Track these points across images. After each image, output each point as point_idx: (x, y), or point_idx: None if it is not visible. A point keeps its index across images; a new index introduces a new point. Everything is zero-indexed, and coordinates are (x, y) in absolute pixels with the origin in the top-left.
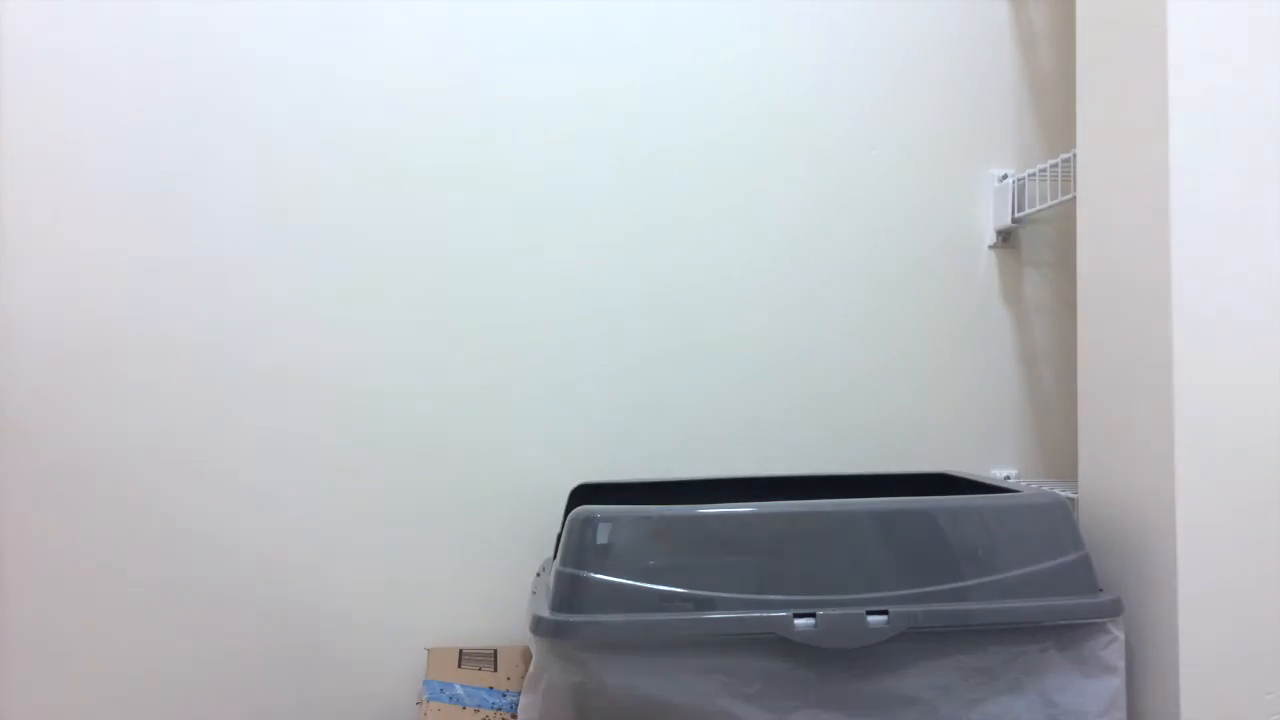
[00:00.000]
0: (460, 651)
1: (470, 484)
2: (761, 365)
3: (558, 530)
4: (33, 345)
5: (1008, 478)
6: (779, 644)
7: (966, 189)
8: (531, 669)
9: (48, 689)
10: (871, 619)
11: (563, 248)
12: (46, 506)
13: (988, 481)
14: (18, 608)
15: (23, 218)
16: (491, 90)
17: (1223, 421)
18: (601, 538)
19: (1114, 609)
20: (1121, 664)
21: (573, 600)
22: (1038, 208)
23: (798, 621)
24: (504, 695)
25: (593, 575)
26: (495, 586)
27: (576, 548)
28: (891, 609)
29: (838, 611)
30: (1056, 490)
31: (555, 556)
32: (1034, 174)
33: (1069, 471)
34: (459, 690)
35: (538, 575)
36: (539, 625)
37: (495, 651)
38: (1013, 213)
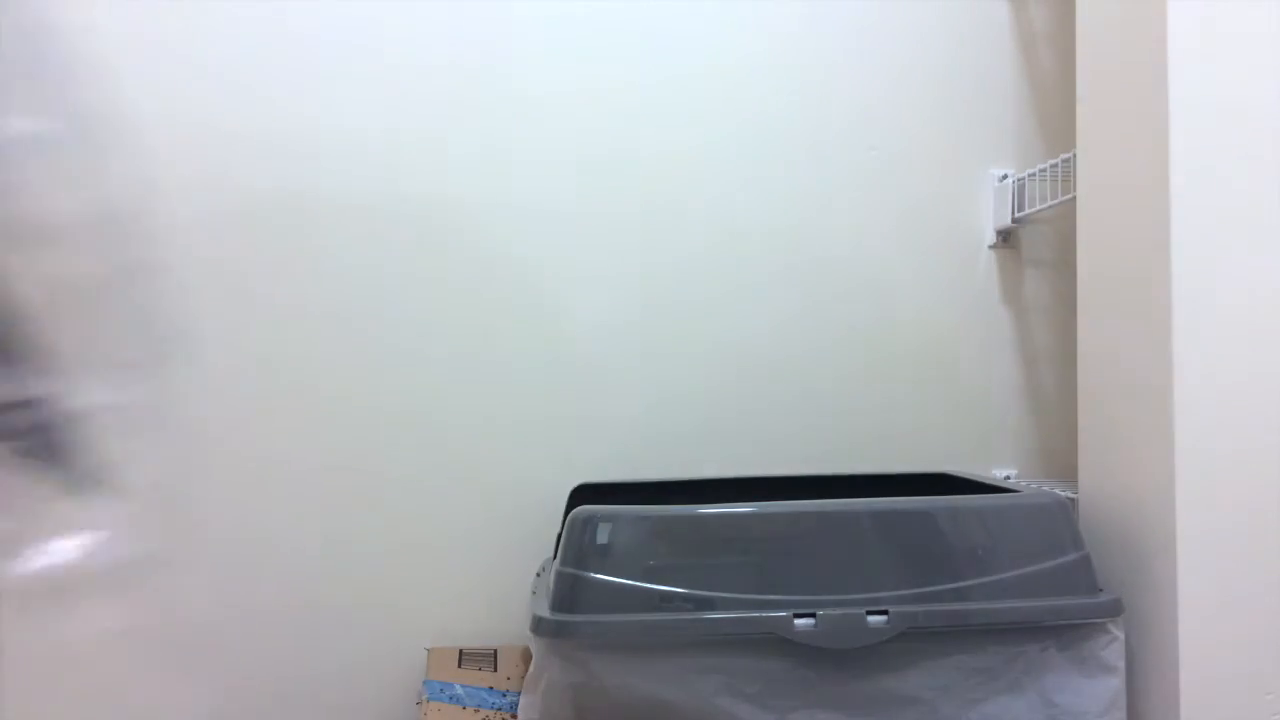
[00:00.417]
0: (460, 651)
1: (470, 484)
2: (761, 365)
3: (558, 530)
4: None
5: (1008, 478)
6: (779, 644)
7: (966, 189)
8: (531, 669)
9: (46, 689)
10: (871, 619)
11: (561, 249)
12: (48, 505)
13: (988, 481)
14: (18, 608)
15: None
16: (490, 91)
17: (1222, 422)
18: (601, 538)
19: (1114, 609)
20: (1121, 664)
21: (573, 600)
22: (1038, 208)
23: (798, 621)
24: (504, 695)
25: (593, 575)
26: (495, 586)
27: (576, 548)
28: (891, 609)
29: (838, 611)
30: (1056, 490)
31: (555, 556)
32: (1034, 174)
33: (1069, 471)
34: (459, 690)
35: (538, 575)
36: (539, 625)
37: (495, 651)
38: (1013, 213)
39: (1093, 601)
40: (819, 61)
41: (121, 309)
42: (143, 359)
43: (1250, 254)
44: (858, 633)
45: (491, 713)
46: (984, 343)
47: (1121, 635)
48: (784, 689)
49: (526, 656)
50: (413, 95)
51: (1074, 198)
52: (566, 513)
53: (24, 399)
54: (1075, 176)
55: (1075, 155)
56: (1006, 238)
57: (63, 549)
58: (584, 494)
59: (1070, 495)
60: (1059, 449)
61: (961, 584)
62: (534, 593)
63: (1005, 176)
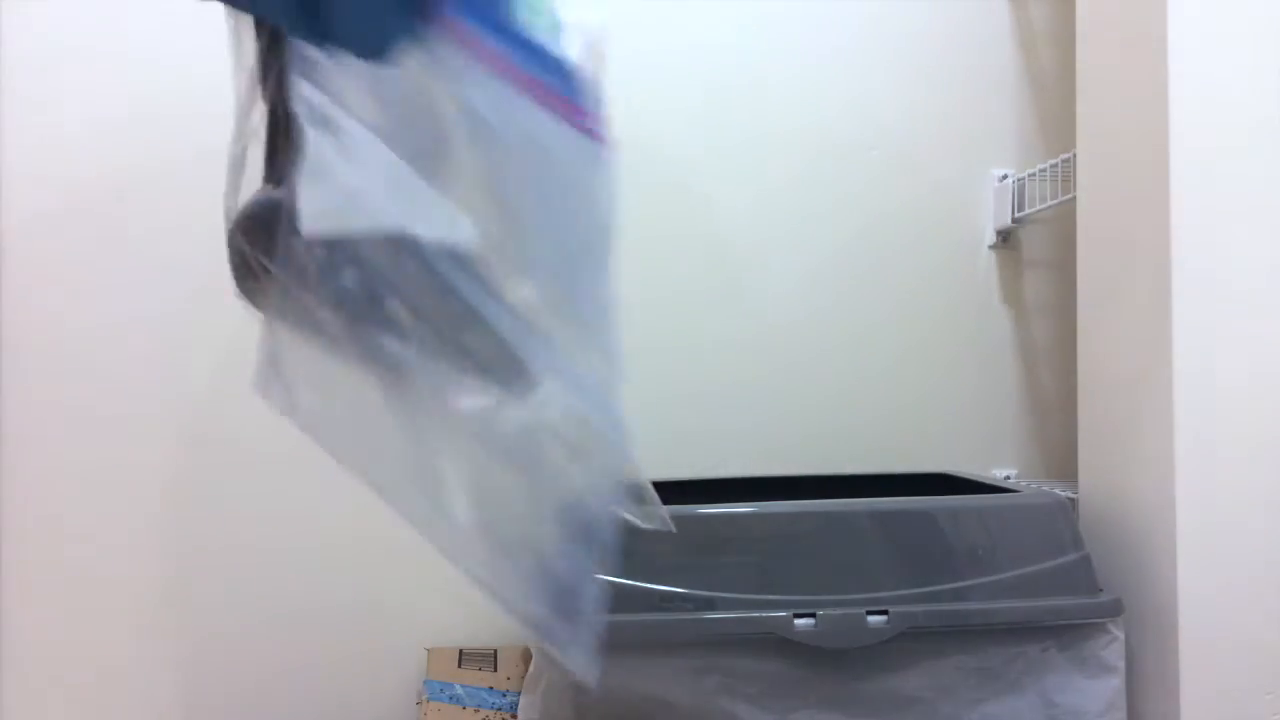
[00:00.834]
0: (460, 651)
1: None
2: (761, 365)
3: None
4: (33, 341)
5: (1008, 478)
6: (779, 644)
7: (966, 189)
8: (531, 669)
9: (44, 688)
10: (871, 619)
11: None
12: (49, 506)
13: (988, 481)
14: (17, 608)
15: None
16: None
17: (1223, 422)
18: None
19: (1114, 609)
20: (1121, 664)
21: None
22: (1038, 208)
23: (798, 621)
24: (504, 695)
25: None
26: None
27: None
28: (891, 609)
29: (838, 611)
30: (1056, 490)
31: None
32: (1034, 174)
33: (1069, 471)
34: (459, 690)
35: None
36: None
37: (495, 651)
38: (1013, 213)
39: (1093, 601)
40: (818, 61)
41: None
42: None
43: (1250, 253)
44: (858, 633)
45: (491, 713)
46: (984, 343)
47: (1121, 635)
48: (784, 689)
49: (526, 656)
50: None
51: (1074, 198)
52: None
53: None
54: (1075, 176)
55: (1075, 155)
56: (1006, 238)
57: None
58: None
59: (1070, 495)
60: (1059, 449)
61: (961, 584)
62: None
63: (1005, 176)
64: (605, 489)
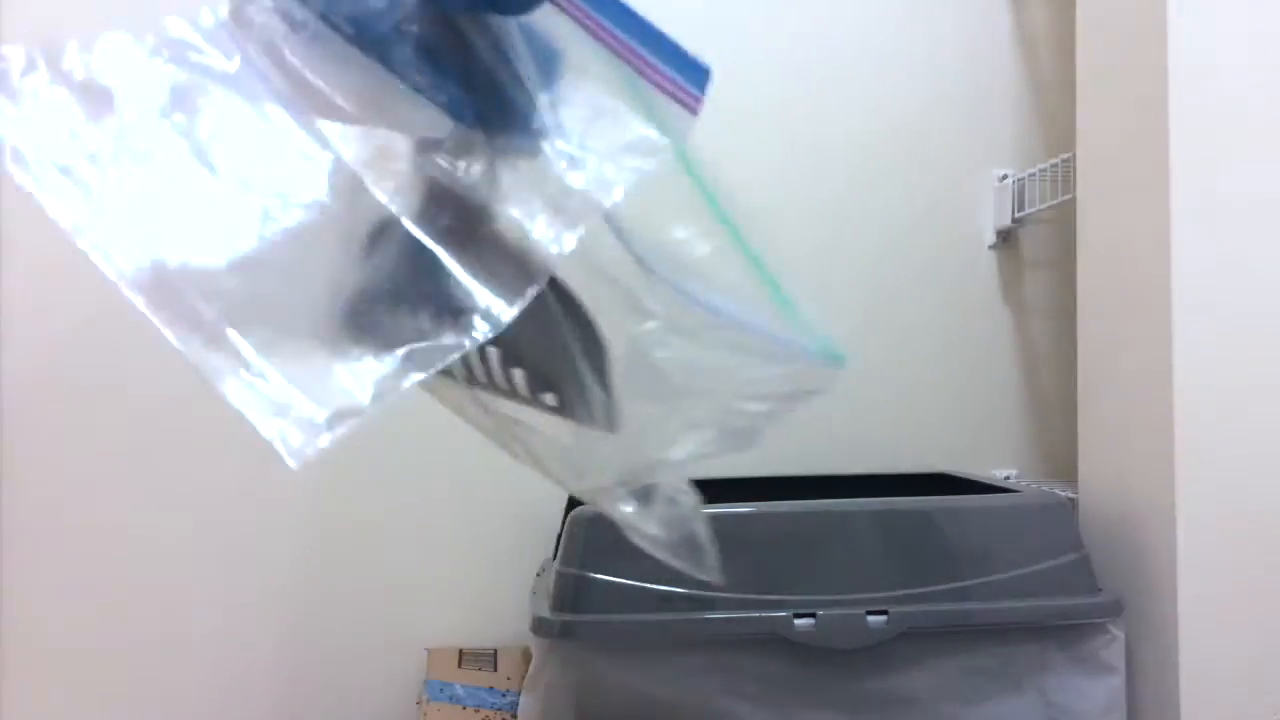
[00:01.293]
0: (460, 651)
1: (471, 483)
2: None
3: (558, 530)
4: (32, 339)
5: (1008, 478)
6: (779, 644)
7: (966, 189)
8: (531, 669)
9: (47, 689)
10: (871, 619)
11: None
12: (49, 504)
13: (988, 481)
14: (19, 608)
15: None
16: None
17: (1222, 422)
18: (602, 538)
19: (1114, 609)
20: (1121, 664)
21: (573, 600)
22: (1038, 208)
23: (798, 621)
24: (504, 695)
25: (593, 575)
26: (495, 586)
27: (577, 548)
28: (891, 609)
29: (838, 611)
30: (1056, 490)
31: (556, 556)
32: (1034, 174)
33: (1069, 471)
34: (459, 690)
35: (538, 575)
36: (539, 625)
37: (495, 651)
38: (1013, 213)
39: (1092, 601)
40: (817, 61)
41: None
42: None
43: (1250, 254)
44: (858, 633)
45: (491, 713)
46: (984, 343)
47: (1121, 635)
48: (784, 689)
49: (526, 656)
50: None
51: (1074, 198)
52: (567, 512)
53: None
54: (1075, 176)
55: (1075, 155)
56: (1006, 238)
57: None
58: None
59: (1070, 495)
60: (1059, 449)
61: (961, 584)
62: (534, 593)
63: (1005, 176)
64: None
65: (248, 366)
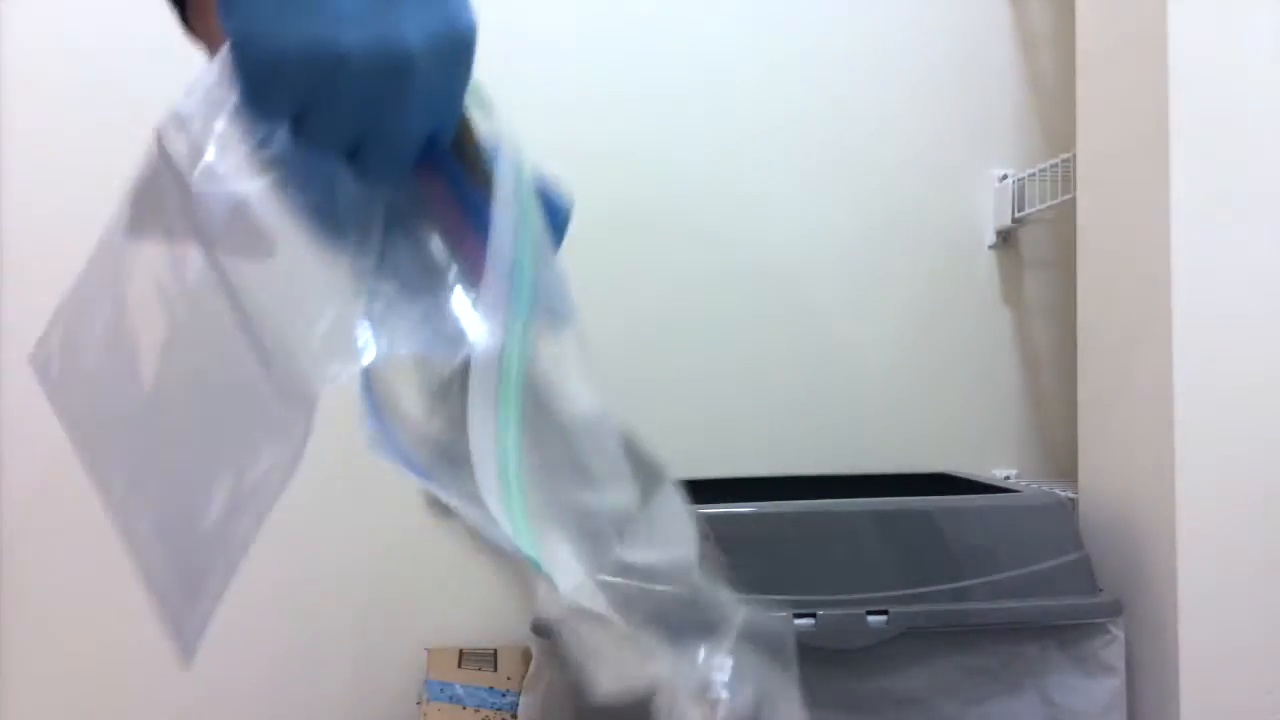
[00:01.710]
0: (460, 651)
1: None
2: (761, 365)
3: None
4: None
5: (1008, 478)
6: None
7: (966, 189)
8: (531, 669)
9: (49, 688)
10: (871, 619)
11: (561, 253)
12: (50, 502)
13: (988, 481)
14: (19, 610)
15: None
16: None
17: (1222, 421)
18: None
19: (1114, 609)
20: (1121, 664)
21: None
22: (1038, 208)
23: (798, 621)
24: (504, 695)
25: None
26: (495, 586)
27: None
28: (891, 609)
29: (838, 611)
30: (1056, 490)
31: None
32: (1034, 174)
33: (1069, 471)
34: (459, 690)
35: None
36: (539, 625)
37: (495, 651)
38: (1013, 213)
39: (1092, 601)
40: (817, 61)
41: None
42: None
43: (1250, 254)
44: (858, 633)
45: (491, 713)
46: (984, 343)
47: (1121, 635)
48: None
49: (526, 656)
50: None
51: (1074, 198)
52: None
53: None
54: (1075, 176)
55: (1075, 155)
56: (1006, 238)
57: None
58: None
59: (1070, 495)
60: (1059, 449)
61: (961, 584)
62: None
63: (1005, 176)
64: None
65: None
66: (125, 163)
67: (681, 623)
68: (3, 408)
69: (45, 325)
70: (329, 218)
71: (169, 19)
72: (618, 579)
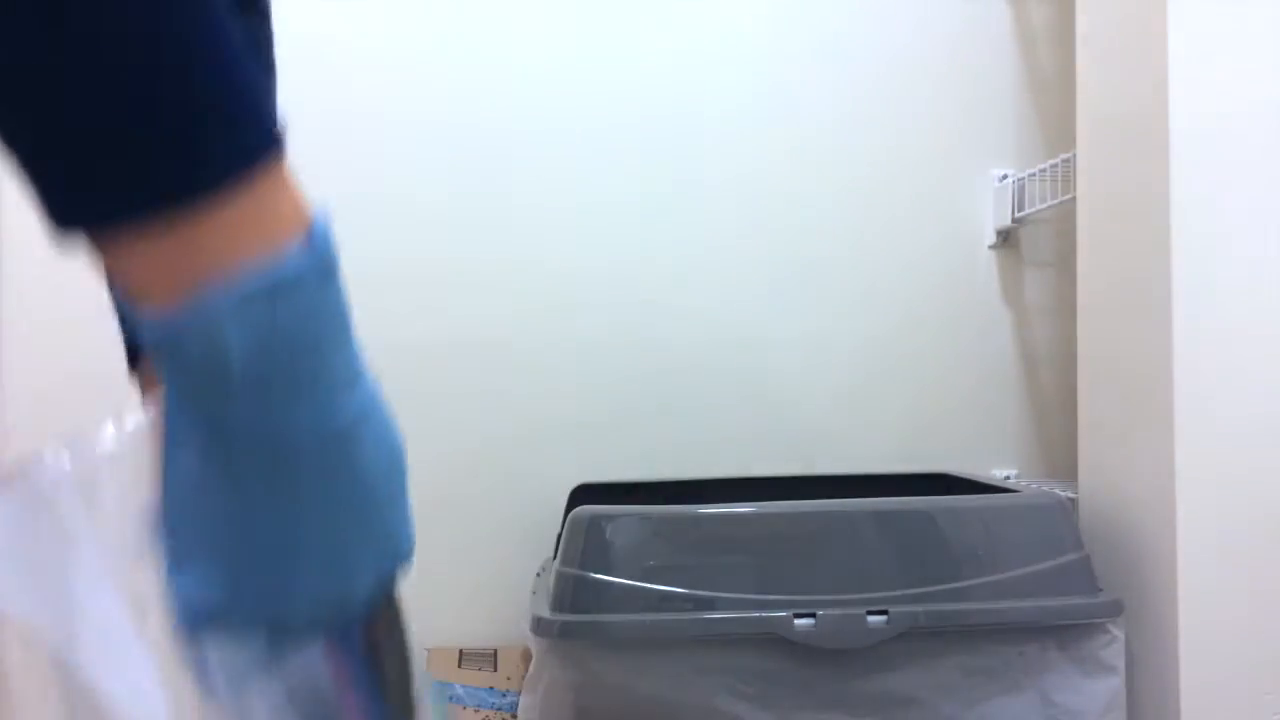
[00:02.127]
0: (460, 651)
1: (470, 484)
2: (761, 365)
3: (558, 530)
4: (33, 340)
5: (1008, 478)
6: (779, 644)
7: (966, 189)
8: (531, 669)
9: (47, 691)
10: (871, 619)
11: (562, 247)
12: None
13: (988, 481)
14: None
15: None
16: (491, 103)
17: (1223, 422)
18: (602, 538)
19: (1114, 609)
20: (1121, 664)
21: (573, 600)
22: (1038, 208)
23: (798, 621)
24: (504, 695)
25: (593, 575)
26: (495, 586)
27: (577, 548)
28: (891, 609)
29: (838, 611)
30: (1056, 490)
31: (555, 556)
32: (1034, 174)
33: (1069, 471)
34: (459, 690)
35: (538, 575)
36: (539, 625)
37: (495, 651)
38: (1013, 213)
39: (1093, 601)
40: (818, 61)
41: None
42: None
43: (1250, 254)
44: (858, 633)
45: (491, 713)
46: (984, 343)
47: (1121, 635)
48: (784, 689)
49: (526, 656)
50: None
51: (1074, 198)
52: (566, 513)
53: None
54: (1075, 176)
55: (1075, 155)
56: (1006, 238)
57: None
58: (584, 494)
59: (1070, 495)
60: (1059, 449)
61: (961, 584)
62: (534, 593)
63: (1005, 176)
64: None
65: None
66: None
67: None
68: (4, 407)
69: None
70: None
71: None
72: None
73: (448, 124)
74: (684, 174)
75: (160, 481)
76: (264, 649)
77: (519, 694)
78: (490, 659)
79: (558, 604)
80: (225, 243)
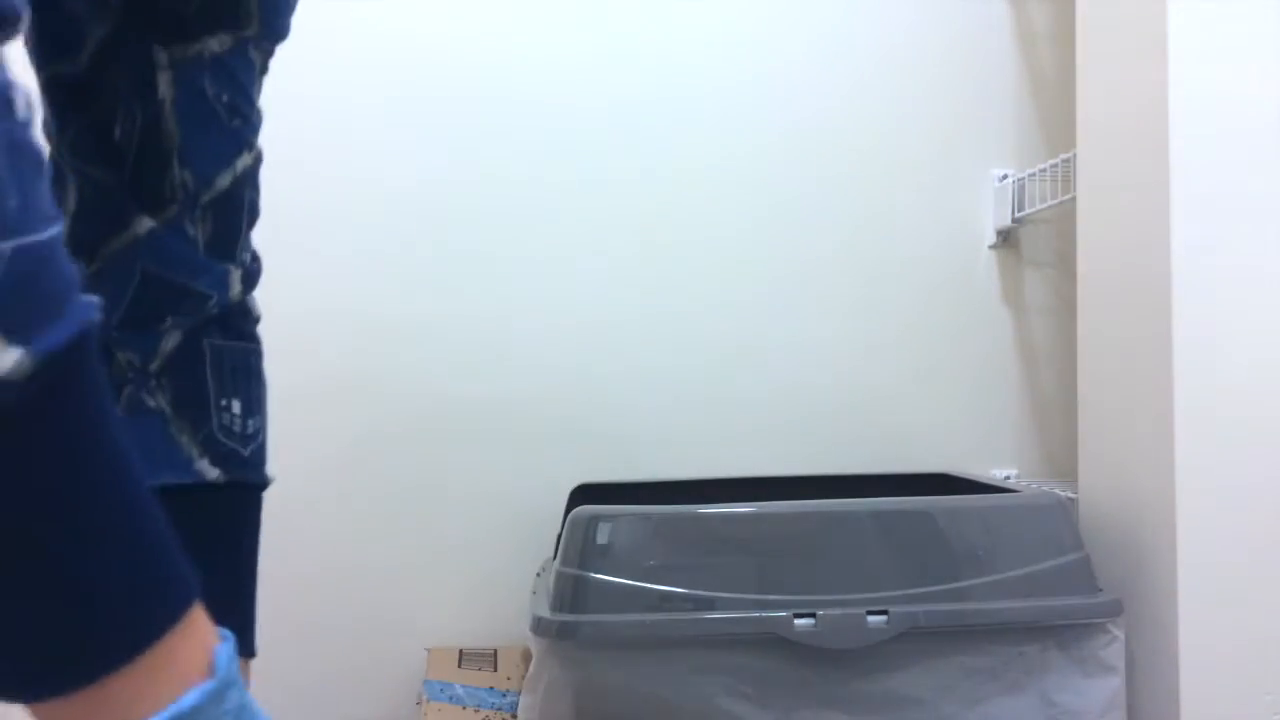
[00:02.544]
0: (460, 651)
1: (470, 483)
2: (761, 366)
3: (558, 530)
4: None
5: (1008, 478)
6: (779, 644)
7: (966, 189)
8: (531, 669)
9: None
10: (871, 619)
11: (562, 249)
12: None
13: (988, 481)
14: None
15: None
16: (492, 104)
17: (1223, 421)
18: (602, 538)
19: (1114, 609)
20: (1121, 664)
21: (573, 600)
22: (1038, 208)
23: (798, 621)
24: (504, 695)
25: (593, 575)
26: (495, 586)
27: (577, 548)
28: (891, 609)
29: (838, 611)
30: (1056, 490)
31: (555, 556)
32: (1034, 174)
33: (1069, 471)
34: (459, 690)
35: (538, 575)
36: (539, 625)
37: (495, 651)
38: (1013, 213)
39: (1093, 601)
40: (818, 61)
41: None
42: None
43: (1250, 253)
44: (858, 633)
45: (491, 713)
46: (984, 343)
47: (1121, 635)
48: (784, 689)
49: (526, 656)
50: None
51: (1074, 198)
52: (567, 513)
53: None
54: (1075, 176)
55: (1075, 155)
56: (1006, 238)
57: None
58: (584, 494)
59: (1070, 495)
60: (1059, 449)
61: (961, 584)
62: (534, 593)
63: (1005, 176)
64: None
65: None
66: None
67: None
68: None
69: None
70: None
71: None
72: None
73: (447, 123)
74: (684, 174)
75: None
76: None
77: (519, 694)
78: (490, 659)
79: (558, 604)
80: (133, 697)
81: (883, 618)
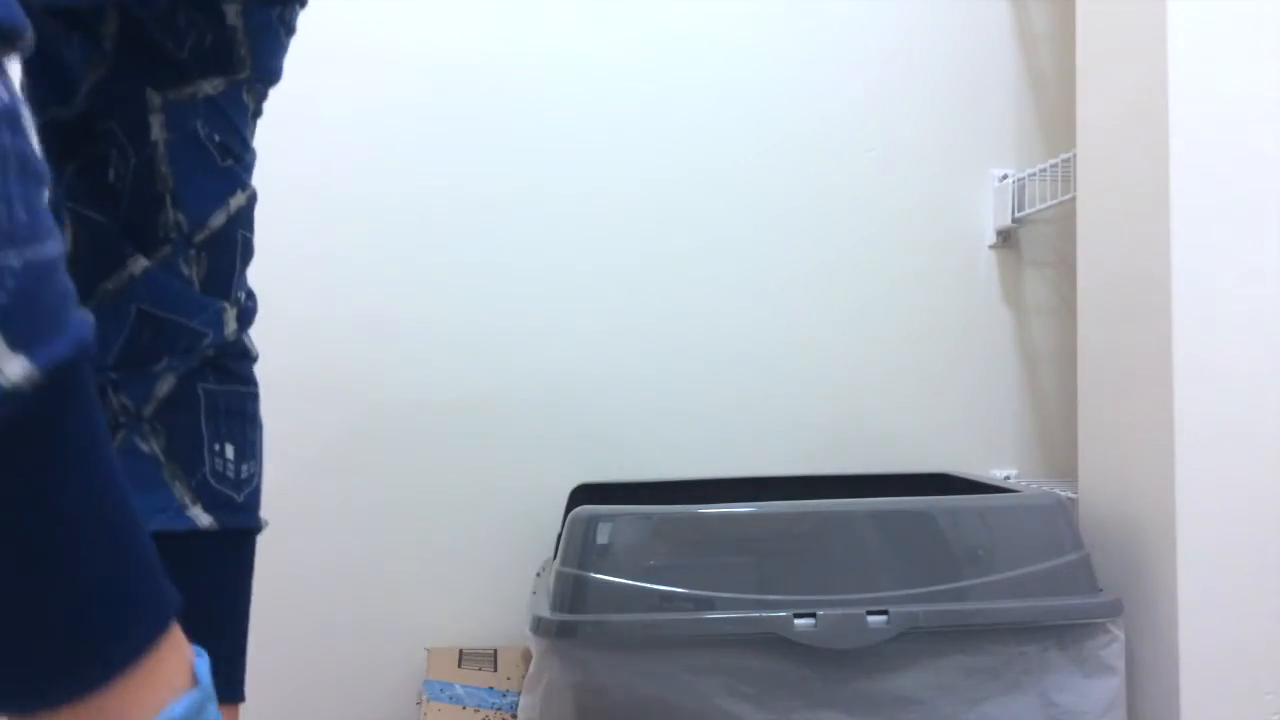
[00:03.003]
0: (460, 651)
1: (470, 483)
2: (761, 365)
3: (558, 530)
4: None
5: (1008, 478)
6: (779, 644)
7: (966, 189)
8: (531, 669)
9: None
10: (871, 619)
11: (563, 249)
12: None
13: (988, 481)
14: None
15: None
16: (493, 104)
17: (1222, 421)
18: (602, 538)
19: (1114, 609)
20: (1121, 664)
21: (573, 600)
22: (1038, 208)
23: (798, 621)
24: (504, 695)
25: (593, 575)
26: (495, 586)
27: (577, 548)
28: (891, 609)
29: (838, 611)
30: (1056, 490)
31: (555, 556)
32: (1034, 174)
33: (1069, 471)
34: (459, 690)
35: (538, 575)
36: (539, 625)
37: (495, 651)
38: (1013, 213)
39: (1093, 601)
40: (818, 61)
41: None
42: None
43: (1250, 254)
44: (858, 633)
45: (491, 713)
46: (984, 343)
47: (1121, 635)
48: (784, 689)
49: (526, 656)
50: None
51: (1074, 198)
52: (567, 513)
53: None
54: (1075, 176)
55: (1075, 155)
56: (1006, 238)
57: None
58: (584, 494)
59: (1070, 495)
60: (1059, 449)
61: (961, 584)
62: (534, 593)
63: (1005, 176)
64: None
65: None
66: None
67: None
68: None
69: None
70: None
71: None
72: None
73: (448, 126)
74: (684, 175)
75: None
76: None
77: (519, 694)
78: (490, 659)
79: (558, 604)
80: (127, 706)
81: (883, 618)
